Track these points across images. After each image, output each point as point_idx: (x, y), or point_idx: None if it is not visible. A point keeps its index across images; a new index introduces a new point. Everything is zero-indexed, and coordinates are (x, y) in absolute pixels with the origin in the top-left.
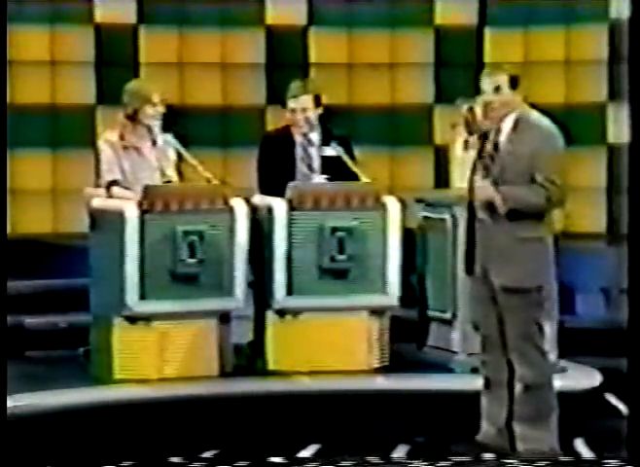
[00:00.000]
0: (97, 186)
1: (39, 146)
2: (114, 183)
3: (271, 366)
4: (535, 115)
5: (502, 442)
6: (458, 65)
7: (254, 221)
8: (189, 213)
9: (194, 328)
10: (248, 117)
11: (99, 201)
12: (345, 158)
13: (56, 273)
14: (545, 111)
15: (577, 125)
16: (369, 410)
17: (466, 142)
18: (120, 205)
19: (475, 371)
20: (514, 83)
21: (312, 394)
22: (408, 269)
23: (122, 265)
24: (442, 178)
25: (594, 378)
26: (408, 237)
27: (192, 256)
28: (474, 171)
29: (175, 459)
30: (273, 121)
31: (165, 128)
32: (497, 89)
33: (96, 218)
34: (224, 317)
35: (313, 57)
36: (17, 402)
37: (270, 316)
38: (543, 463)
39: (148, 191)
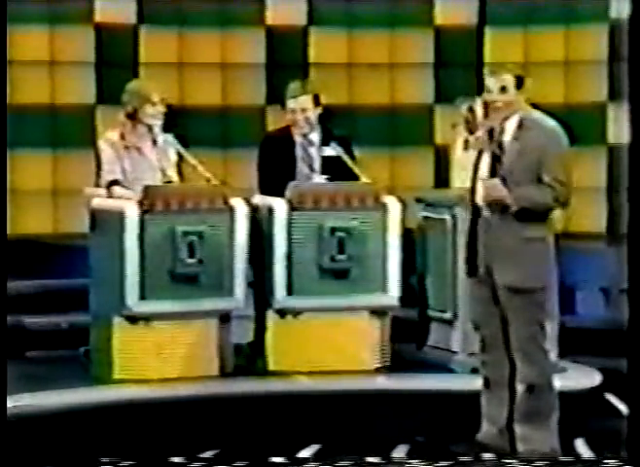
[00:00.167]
0: (97, 186)
1: (39, 146)
2: (114, 183)
3: (271, 366)
4: (539, 115)
5: (502, 442)
6: (458, 65)
7: (254, 221)
8: (189, 213)
9: (194, 328)
10: (248, 117)
11: (99, 201)
12: (345, 158)
13: (56, 273)
14: (545, 111)
15: (577, 125)
16: (369, 410)
17: (466, 142)
18: (120, 205)
19: (475, 371)
20: (519, 83)
21: (312, 394)
22: (408, 269)
23: (122, 265)
24: (442, 178)
25: (594, 378)
26: (408, 237)
27: (191, 256)
28: (476, 171)
29: (175, 459)
30: (273, 121)
31: (165, 129)
32: (503, 88)
33: (96, 218)
34: (224, 317)
35: (313, 57)
36: (16, 402)
37: (271, 316)
38: (543, 463)
39: (148, 191)
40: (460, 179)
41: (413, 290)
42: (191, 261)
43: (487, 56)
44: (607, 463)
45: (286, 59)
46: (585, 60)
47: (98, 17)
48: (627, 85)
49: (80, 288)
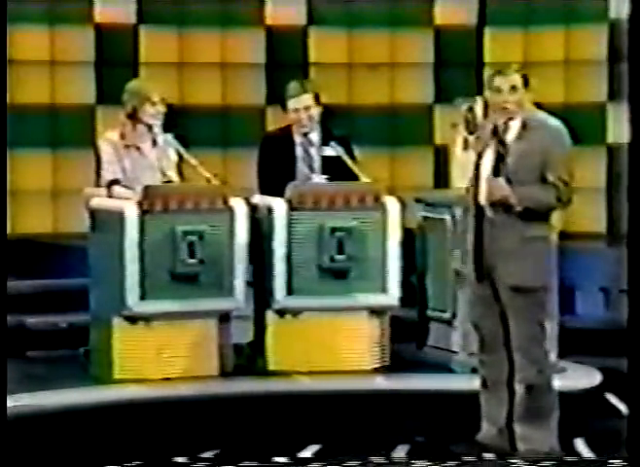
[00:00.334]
0: (97, 185)
1: (39, 146)
2: (115, 182)
3: (271, 366)
4: (542, 114)
5: (502, 442)
6: (458, 65)
7: (254, 221)
8: (189, 213)
9: (194, 328)
10: (248, 117)
11: (99, 201)
12: (345, 158)
13: (56, 273)
14: (545, 111)
15: (577, 125)
16: (369, 410)
17: (466, 142)
18: (120, 205)
19: (475, 371)
20: (526, 83)
21: (312, 394)
22: (408, 269)
23: (121, 265)
24: (442, 178)
25: (594, 378)
26: (408, 237)
27: (191, 256)
28: (478, 171)
29: (175, 459)
30: (273, 121)
31: (165, 129)
32: (513, 88)
33: (96, 218)
34: (224, 317)
35: (313, 57)
36: (16, 402)
37: (270, 316)
38: (543, 463)
39: (148, 191)
40: (460, 179)
41: (413, 290)
42: (191, 261)
43: (487, 56)
44: (607, 463)
45: (286, 59)
46: (584, 60)
47: (98, 18)
48: (627, 85)
49: (80, 288)
